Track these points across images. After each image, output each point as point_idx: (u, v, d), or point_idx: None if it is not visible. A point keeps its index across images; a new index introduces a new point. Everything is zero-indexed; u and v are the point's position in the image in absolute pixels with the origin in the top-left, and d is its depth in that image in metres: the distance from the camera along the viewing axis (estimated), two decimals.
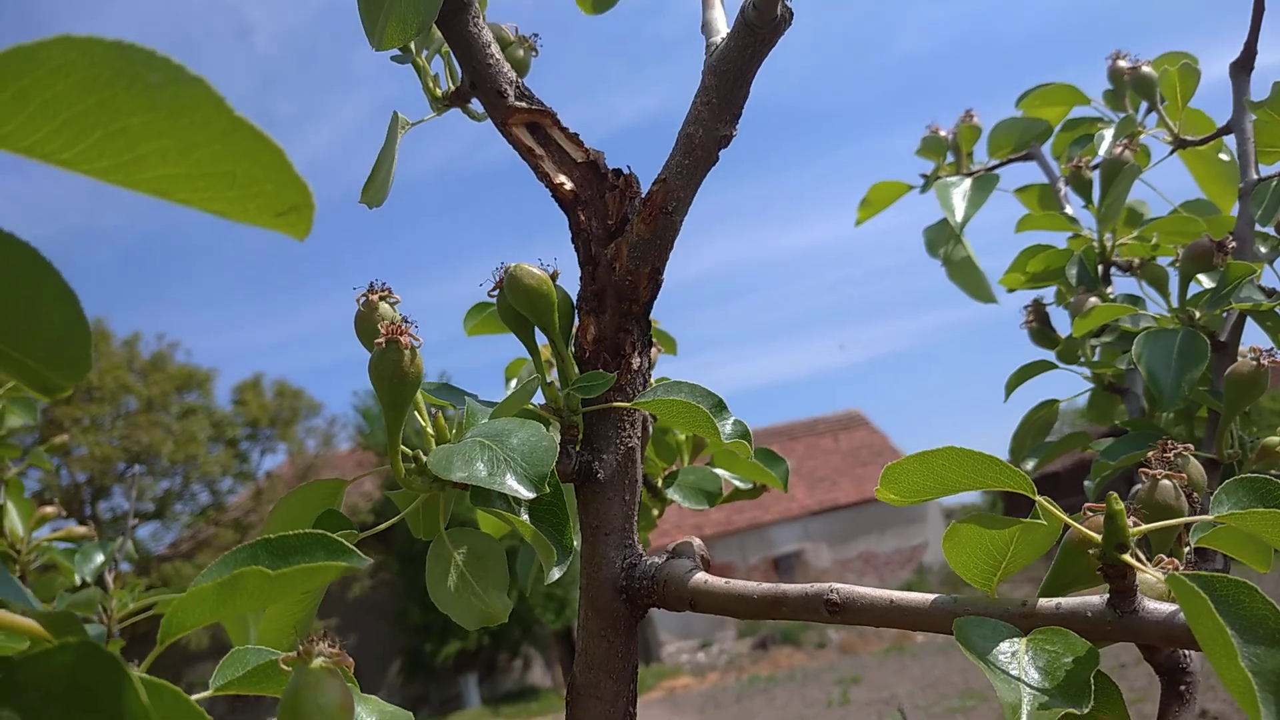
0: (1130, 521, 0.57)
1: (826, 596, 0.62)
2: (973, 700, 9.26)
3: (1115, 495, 0.53)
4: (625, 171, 0.77)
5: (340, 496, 0.72)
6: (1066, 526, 0.59)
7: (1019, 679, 0.51)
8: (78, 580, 1.58)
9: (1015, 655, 0.53)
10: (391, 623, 17.87)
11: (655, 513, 1.08)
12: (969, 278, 1.55)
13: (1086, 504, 0.59)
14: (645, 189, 0.76)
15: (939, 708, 9.25)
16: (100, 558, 1.56)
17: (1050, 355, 1.23)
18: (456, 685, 17.79)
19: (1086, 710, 0.49)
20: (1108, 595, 0.55)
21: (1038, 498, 0.56)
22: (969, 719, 8.61)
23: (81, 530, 1.67)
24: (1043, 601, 0.56)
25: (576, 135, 0.77)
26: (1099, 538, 0.54)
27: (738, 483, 1.18)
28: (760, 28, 0.70)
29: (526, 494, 0.59)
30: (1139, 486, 0.89)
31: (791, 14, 0.71)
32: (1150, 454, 0.70)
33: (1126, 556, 0.52)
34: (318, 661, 0.41)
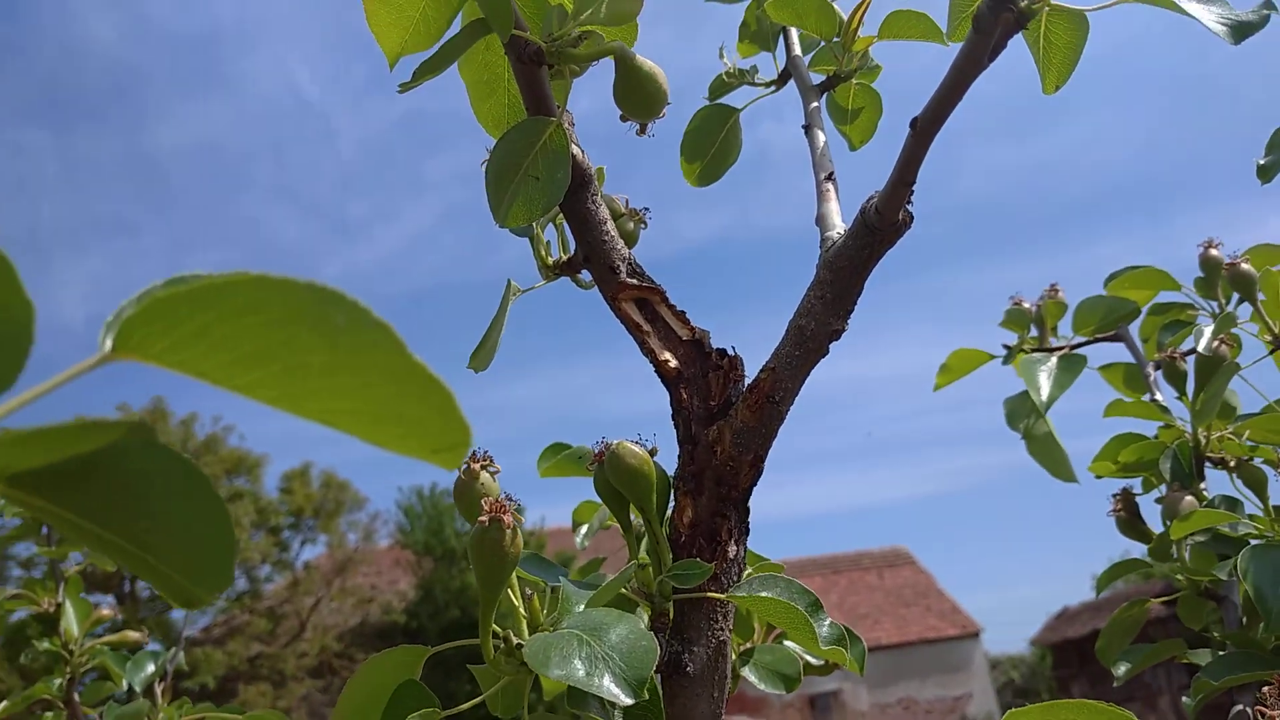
0: None
1: None
2: None
3: None
4: (730, 352, 0.77)
5: (419, 666, 0.70)
6: None
7: None
8: (125, 686, 1.57)
9: None
10: None
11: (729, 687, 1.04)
12: (1050, 455, 1.51)
13: None
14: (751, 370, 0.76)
15: None
16: (152, 668, 1.55)
17: (1141, 551, 1.19)
18: None
19: None
20: None
21: None
22: None
23: (135, 636, 1.66)
24: None
25: (683, 313, 0.77)
26: None
27: (810, 659, 1.14)
28: (881, 230, 0.71)
29: (625, 700, 0.57)
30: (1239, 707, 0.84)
31: (912, 218, 0.72)
32: (1266, 689, 0.66)
33: None
34: None
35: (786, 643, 1.11)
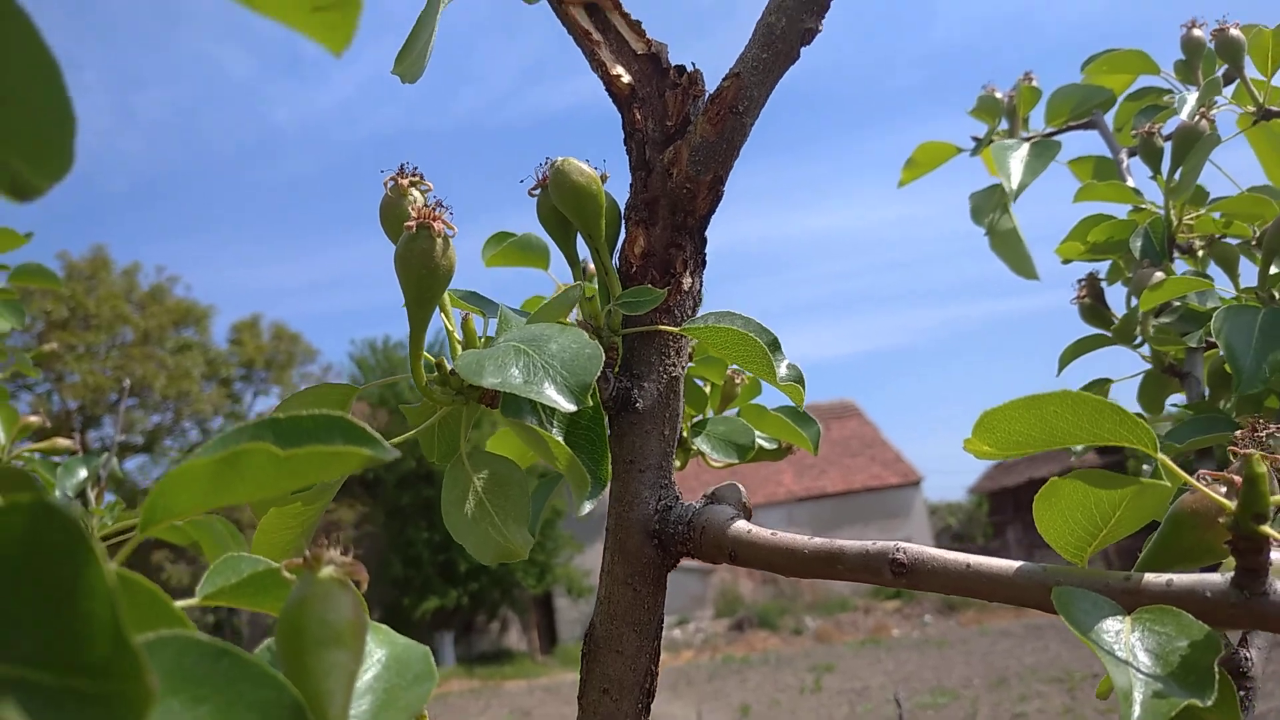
0: None
1: (892, 556, 0.54)
2: (944, 698, 9.25)
3: (1258, 456, 0.46)
4: (689, 69, 0.69)
5: (349, 405, 0.64)
6: (1177, 494, 0.51)
7: (1128, 663, 0.44)
8: (57, 494, 1.51)
9: (1120, 635, 0.46)
10: (371, 574, 17.77)
11: (678, 464, 1.01)
12: (1012, 250, 1.47)
13: (1201, 470, 0.52)
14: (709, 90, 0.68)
15: (910, 702, 9.24)
16: (83, 473, 1.49)
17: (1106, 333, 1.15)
18: (432, 642, 17.80)
19: (1210, 703, 0.42)
20: (1230, 574, 0.47)
21: (1160, 455, 0.49)
22: (940, 715, 8.60)
23: (66, 443, 1.59)
24: (1149, 576, 0.49)
25: (638, 23, 0.69)
26: (1231, 505, 0.47)
27: (764, 442, 1.11)
28: None
29: (567, 406, 0.51)
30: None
31: None
32: (1239, 433, 0.62)
33: (1267, 528, 0.45)
34: (327, 570, 0.34)
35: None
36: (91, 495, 1.49)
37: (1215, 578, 0.48)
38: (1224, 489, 0.50)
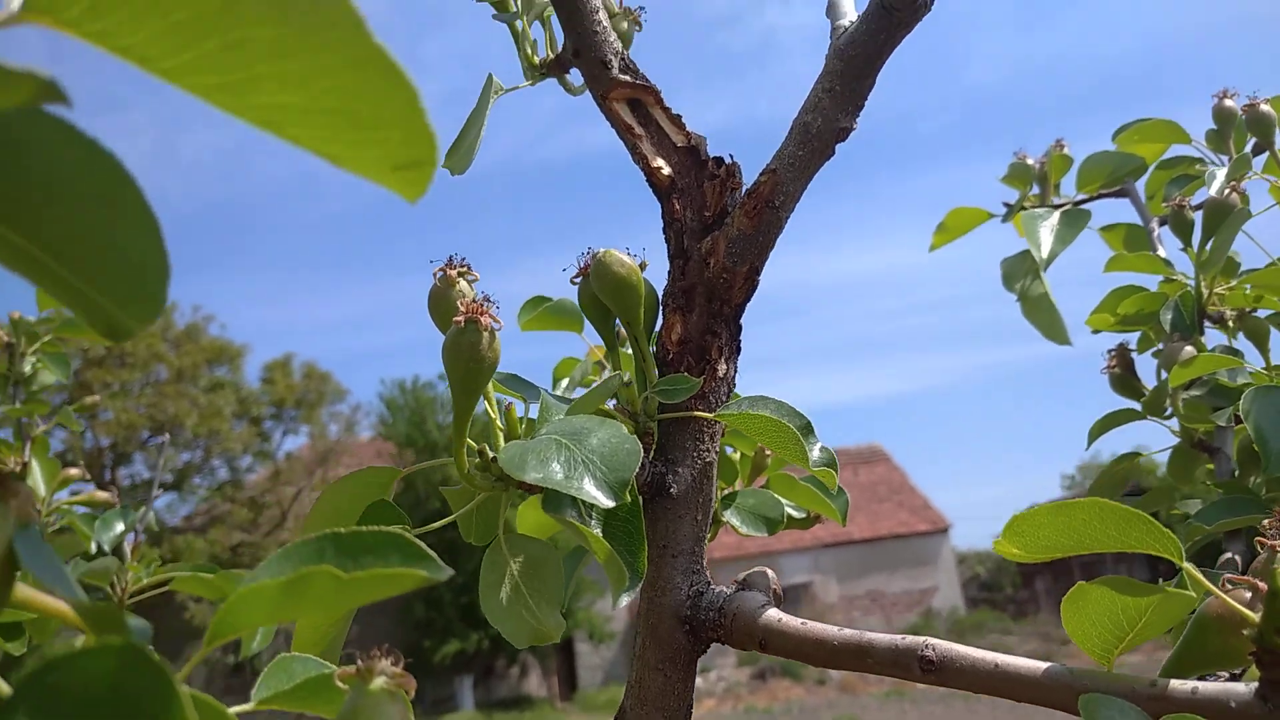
0: None
1: (921, 652, 0.55)
2: None
3: None
4: (727, 160, 0.71)
5: (392, 486, 0.66)
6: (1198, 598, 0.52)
7: None
8: (94, 547, 1.54)
9: None
10: (393, 616, 17.80)
11: (708, 537, 1.02)
12: (1045, 316, 1.47)
13: (1226, 575, 0.52)
14: (747, 182, 0.70)
15: None
16: (120, 526, 1.52)
17: (1135, 404, 1.16)
18: (451, 686, 17.70)
19: None
20: (1255, 684, 0.48)
21: (1185, 564, 0.50)
22: None
23: (104, 496, 1.62)
24: (1175, 684, 0.50)
25: (679, 117, 0.71)
26: (1254, 616, 0.48)
27: (792, 511, 1.12)
28: (899, 10, 0.64)
29: (606, 502, 0.53)
30: (1260, 556, 0.81)
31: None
32: (1266, 521, 0.63)
33: None
34: (379, 682, 0.35)
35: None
36: (128, 549, 1.51)
37: (1240, 688, 0.48)
38: (1249, 594, 0.51)
